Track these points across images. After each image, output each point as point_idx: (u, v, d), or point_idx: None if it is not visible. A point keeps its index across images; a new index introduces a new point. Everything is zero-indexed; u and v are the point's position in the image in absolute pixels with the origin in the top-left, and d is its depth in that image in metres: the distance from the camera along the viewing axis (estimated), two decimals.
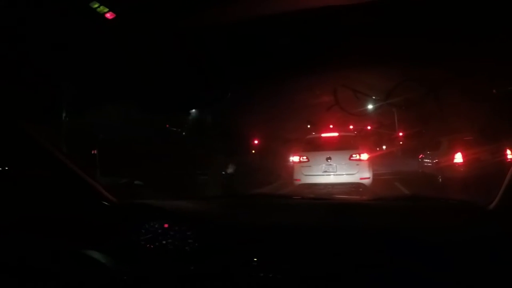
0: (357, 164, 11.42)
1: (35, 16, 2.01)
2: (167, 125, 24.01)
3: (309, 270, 2.24)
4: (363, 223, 2.51)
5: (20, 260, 2.37)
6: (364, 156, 11.56)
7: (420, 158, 17.79)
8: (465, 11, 2.13)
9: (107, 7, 1.89)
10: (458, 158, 12.80)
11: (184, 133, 27.36)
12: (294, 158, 12.58)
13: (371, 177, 11.49)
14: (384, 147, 34.99)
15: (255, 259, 2.32)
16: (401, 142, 33.68)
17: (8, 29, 2.09)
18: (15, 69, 2.47)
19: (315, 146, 12.32)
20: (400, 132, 32.89)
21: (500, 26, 2.23)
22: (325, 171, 11.51)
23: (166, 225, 2.67)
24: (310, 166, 11.76)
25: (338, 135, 13.10)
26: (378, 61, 2.73)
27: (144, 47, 2.41)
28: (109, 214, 2.83)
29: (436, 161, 14.91)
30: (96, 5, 1.88)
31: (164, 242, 2.62)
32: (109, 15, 1.93)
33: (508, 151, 11.97)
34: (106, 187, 2.96)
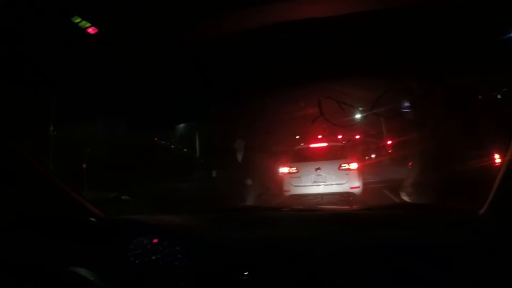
0: (347, 174, 11.45)
1: (22, 28, 2.00)
2: (156, 139, 24.03)
3: (299, 282, 2.23)
4: (353, 233, 2.50)
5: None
6: (353, 165, 11.60)
7: (410, 166, 17.84)
8: (448, 23, 2.15)
9: (89, 21, 1.88)
10: None
11: (172, 146, 27.39)
12: (283, 169, 12.58)
13: (361, 186, 11.52)
14: (373, 156, 35.20)
15: (245, 273, 2.30)
16: (389, 151, 33.88)
17: None
18: (1, 81, 2.45)
19: (304, 157, 12.34)
20: (389, 140, 33.08)
21: (482, 36, 2.25)
22: (315, 182, 11.52)
23: (155, 240, 2.65)
24: (299, 177, 11.77)
25: (327, 145, 13.13)
26: (361, 74, 2.75)
27: (128, 61, 2.40)
28: (97, 230, 2.80)
29: None
30: (78, 20, 1.86)
31: (153, 257, 2.59)
32: (91, 30, 1.92)
33: (496, 156, 12.02)
34: (94, 202, 2.93)
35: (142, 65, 2.41)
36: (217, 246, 2.54)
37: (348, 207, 7.23)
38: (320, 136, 15.51)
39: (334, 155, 12.13)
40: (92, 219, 2.82)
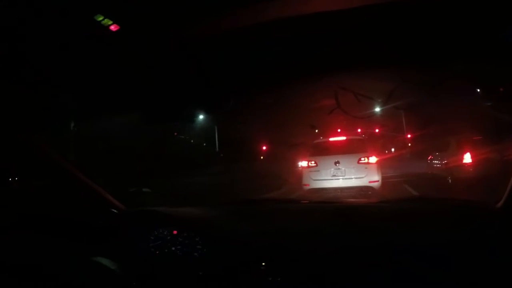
0: (366, 168, 11.39)
1: (43, 27, 2.05)
2: (175, 133, 24.18)
3: (317, 274, 2.25)
4: (371, 225, 2.52)
5: (30, 268, 2.40)
6: (373, 159, 11.53)
7: (429, 160, 17.72)
8: (465, 12, 2.14)
9: (111, 19, 1.93)
10: (467, 158, 12.72)
11: (192, 141, 27.53)
12: (303, 163, 12.57)
13: (380, 180, 11.46)
14: (392, 149, 34.95)
15: (263, 264, 2.33)
16: (409, 144, 33.59)
17: (17, 41, 2.14)
18: (24, 82, 2.52)
19: (323, 151, 12.29)
20: (409, 134, 32.79)
21: (501, 24, 2.24)
22: (334, 175, 11.49)
23: (174, 232, 2.70)
24: (318, 171, 11.75)
25: (346, 139, 13.04)
26: (378, 64, 2.75)
27: (149, 56, 2.45)
28: (118, 222, 2.87)
29: (445, 162, 14.83)
30: (101, 18, 1.92)
31: (173, 248, 2.65)
32: (113, 27, 1.97)
33: None
34: (115, 195, 3.00)
35: (159, 60, 2.45)
36: (236, 237, 2.58)
37: (366, 200, 7.21)
38: (339, 130, 15.43)
39: (353, 148, 12.04)
40: (114, 210, 2.89)
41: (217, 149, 28.58)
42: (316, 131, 17.61)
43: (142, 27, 2.09)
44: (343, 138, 13.23)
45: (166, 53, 2.39)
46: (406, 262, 2.13)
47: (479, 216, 2.48)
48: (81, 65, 2.50)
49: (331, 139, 13.24)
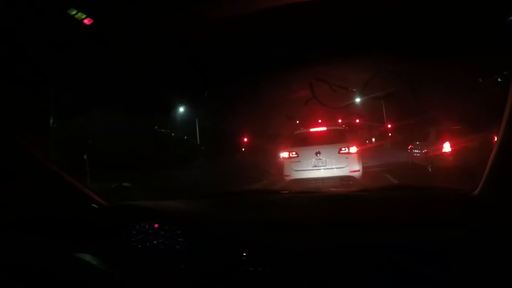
0: (347, 157, 11.47)
1: (21, 23, 2.03)
2: (156, 127, 24.04)
3: (298, 264, 2.28)
4: (352, 214, 2.55)
5: (11, 263, 2.37)
6: (353, 149, 11.61)
7: (409, 149, 17.93)
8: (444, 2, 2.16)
9: (84, 13, 1.92)
10: (447, 147, 12.93)
11: (173, 134, 27.39)
12: (284, 154, 12.61)
13: (361, 170, 11.57)
14: (373, 139, 35.29)
15: (244, 254, 2.35)
16: (390, 134, 33.96)
17: None
18: (2, 75, 2.48)
19: (304, 141, 12.35)
20: (389, 124, 33.12)
21: (482, 16, 2.26)
22: (315, 166, 11.55)
23: (156, 225, 2.70)
24: (299, 161, 11.80)
25: (327, 130, 13.09)
26: (356, 54, 2.77)
27: (126, 49, 2.43)
28: (100, 217, 2.85)
29: (425, 151, 15.05)
30: (74, 12, 1.90)
31: (155, 242, 2.65)
32: (87, 21, 1.96)
33: (496, 138, 12.02)
34: (97, 191, 2.98)
35: (134, 53, 2.44)
36: (218, 229, 2.60)
37: (347, 189, 7.26)
38: (320, 120, 15.51)
39: (334, 139, 12.12)
40: (95, 206, 2.88)
41: (198, 141, 28.54)
42: (297, 122, 17.67)
43: (118, 18, 2.08)
44: (324, 128, 13.27)
45: (143, 44, 2.38)
46: (389, 250, 2.16)
47: (456, 203, 2.52)
48: (60, 59, 2.48)
49: (312, 129, 13.28)
